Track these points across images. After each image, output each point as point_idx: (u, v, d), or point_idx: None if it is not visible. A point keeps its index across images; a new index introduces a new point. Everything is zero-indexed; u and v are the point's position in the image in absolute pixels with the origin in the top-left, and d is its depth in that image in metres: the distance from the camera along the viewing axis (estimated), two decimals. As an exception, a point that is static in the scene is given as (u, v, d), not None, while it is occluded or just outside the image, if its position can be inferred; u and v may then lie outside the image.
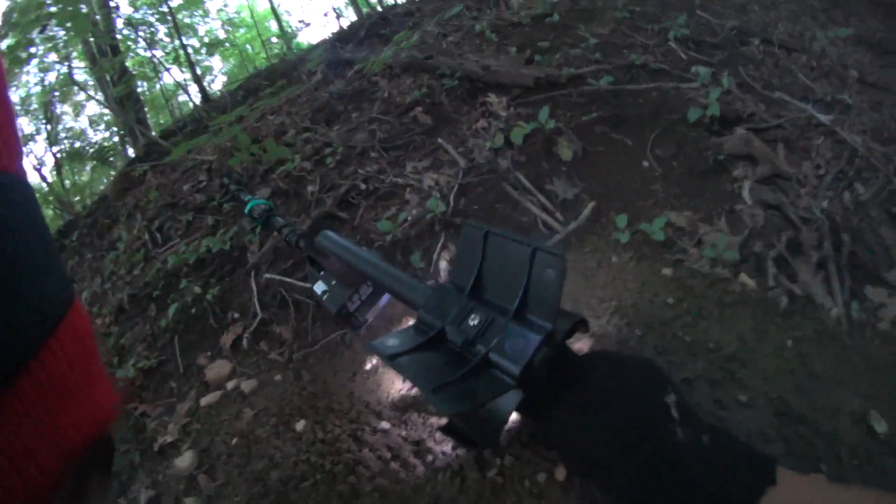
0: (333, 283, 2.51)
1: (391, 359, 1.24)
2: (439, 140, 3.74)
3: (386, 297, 2.73)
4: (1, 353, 0.40)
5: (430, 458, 2.16)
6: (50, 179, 10.34)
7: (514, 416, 1.16)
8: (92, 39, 9.16)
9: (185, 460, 2.66)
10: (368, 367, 2.79)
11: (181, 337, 3.65)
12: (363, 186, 3.66)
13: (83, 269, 5.84)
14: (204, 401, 3.00)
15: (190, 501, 2.43)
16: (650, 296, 2.32)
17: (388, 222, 3.23)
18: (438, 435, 2.27)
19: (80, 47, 9.73)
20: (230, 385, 2.96)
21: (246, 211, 2.57)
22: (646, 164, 2.91)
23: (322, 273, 2.52)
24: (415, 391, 2.50)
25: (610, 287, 2.42)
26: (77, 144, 10.49)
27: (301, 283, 3.21)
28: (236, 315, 3.37)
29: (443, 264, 3.12)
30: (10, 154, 0.47)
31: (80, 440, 0.48)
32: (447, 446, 2.19)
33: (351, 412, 2.49)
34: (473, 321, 1.23)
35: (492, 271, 1.28)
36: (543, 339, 1.12)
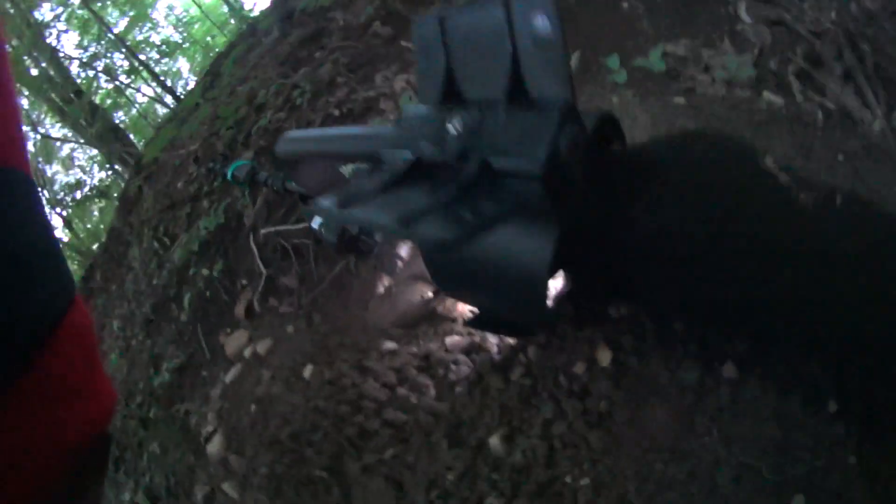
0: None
1: (342, 206, 0.96)
2: (402, 42, 3.45)
3: None
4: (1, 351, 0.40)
5: (441, 371, 1.96)
6: (66, 238, 10.42)
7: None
8: (53, 95, 9.08)
9: (215, 445, 2.51)
10: (381, 289, 2.55)
11: (203, 323, 3.50)
12: (336, 113, 3.41)
13: (112, 302, 5.82)
14: (228, 377, 2.82)
15: (227, 487, 2.27)
16: (666, 127, 2.05)
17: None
18: (450, 341, 2.04)
19: (44, 107, 9.67)
20: (247, 353, 2.77)
21: (229, 177, 2.36)
22: (626, 4, 2.66)
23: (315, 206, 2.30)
24: (426, 300, 2.28)
25: (618, 127, 2.11)
26: (78, 196, 10.55)
27: (296, 227, 2.99)
28: (244, 282, 3.18)
29: (399, 86, 2.83)
30: (16, 150, 0.47)
31: (79, 439, 0.48)
32: (459, 353, 1.95)
33: (361, 341, 2.26)
34: (455, 130, 0.97)
35: (463, 62, 1.00)
36: (561, 113, 0.83)
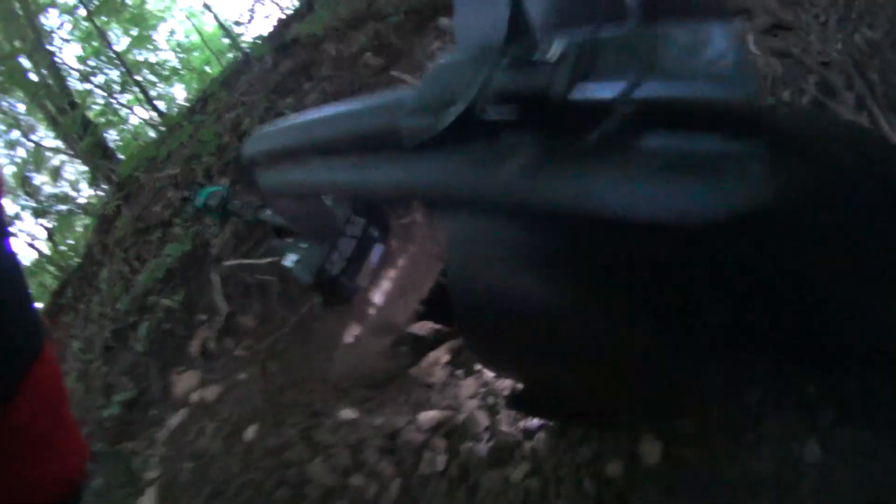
0: (304, 246, 2.05)
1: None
2: (393, 73, 3.28)
3: (378, 250, 2.25)
4: None
5: (410, 458, 1.63)
6: (46, 251, 10.15)
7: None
8: (48, 103, 8.92)
9: (146, 501, 2.24)
10: (349, 339, 2.32)
11: (157, 357, 3.26)
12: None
13: (78, 322, 5.63)
14: (173, 422, 2.57)
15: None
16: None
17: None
18: (425, 417, 1.80)
19: (40, 115, 9.52)
20: (195, 397, 2.53)
21: (200, 203, 2.19)
22: None
23: (290, 241, 2.08)
24: (396, 356, 2.06)
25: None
26: (63, 209, 10.29)
27: (262, 262, 2.77)
28: (203, 317, 2.95)
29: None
30: None
31: (44, 498, 0.48)
32: (436, 436, 1.66)
33: (315, 403, 2.03)
34: (557, 52, 0.58)
35: None
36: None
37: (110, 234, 6.23)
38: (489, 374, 1.84)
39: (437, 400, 1.90)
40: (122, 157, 8.90)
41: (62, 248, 10.43)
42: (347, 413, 1.91)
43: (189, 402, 2.57)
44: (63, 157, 10.94)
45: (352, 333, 2.30)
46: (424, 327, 2.72)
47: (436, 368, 2.05)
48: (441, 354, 2.15)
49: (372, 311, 2.46)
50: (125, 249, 5.07)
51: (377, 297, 2.50)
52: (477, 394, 1.86)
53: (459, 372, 2.02)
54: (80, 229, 10.46)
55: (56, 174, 10.99)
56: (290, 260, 1.90)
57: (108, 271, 5.41)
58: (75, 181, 10.71)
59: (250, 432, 2.03)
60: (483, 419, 1.58)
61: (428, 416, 1.82)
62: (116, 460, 2.97)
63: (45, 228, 10.30)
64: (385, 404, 1.92)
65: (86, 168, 9.77)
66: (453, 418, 1.71)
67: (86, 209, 9.87)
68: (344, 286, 1.92)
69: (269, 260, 2.66)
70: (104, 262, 5.92)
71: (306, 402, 2.06)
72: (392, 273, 2.53)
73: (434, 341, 2.47)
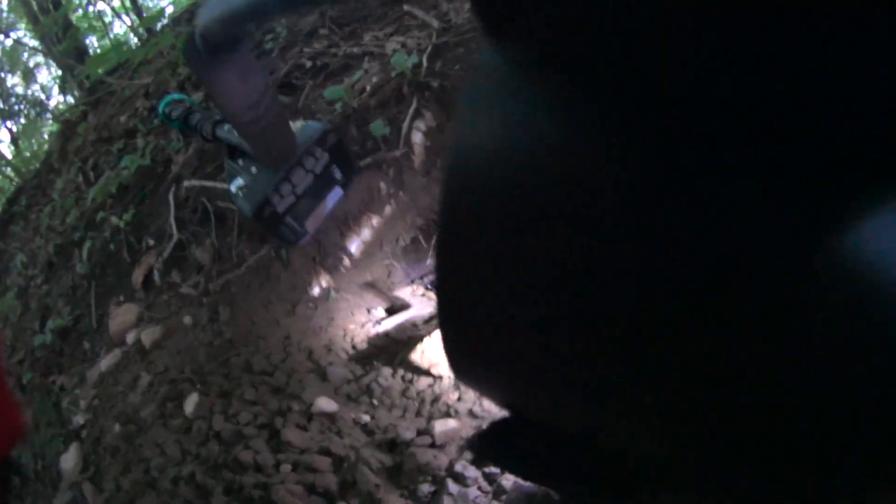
0: (254, 171, 1.67)
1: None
2: (405, 6, 2.83)
3: (336, 195, 1.90)
4: None
5: (415, 486, 1.42)
6: (8, 155, 9.57)
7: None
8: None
9: (69, 459, 1.89)
10: (317, 291, 1.92)
11: (98, 282, 2.86)
12: (309, 64, 2.78)
13: (27, 233, 5.29)
14: (104, 363, 2.16)
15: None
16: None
17: (339, 88, 2.31)
18: (443, 427, 1.57)
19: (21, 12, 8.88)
20: (131, 337, 2.12)
21: (160, 110, 1.87)
22: None
23: (241, 163, 1.69)
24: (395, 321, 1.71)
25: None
26: (32, 112, 9.72)
27: (225, 185, 2.35)
28: (151, 242, 2.52)
29: (416, 136, 2.22)
30: None
31: None
32: (462, 461, 1.48)
33: (277, 373, 1.64)
34: None
35: None
36: None
37: (72, 141, 5.86)
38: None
39: (454, 403, 1.62)
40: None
41: (27, 153, 9.85)
42: (323, 402, 1.53)
43: (124, 342, 2.17)
44: (39, 58, 10.37)
45: (319, 285, 1.90)
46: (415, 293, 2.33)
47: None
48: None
49: (347, 261, 2.06)
50: (84, 159, 4.68)
51: (353, 245, 2.10)
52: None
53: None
54: (46, 136, 9.91)
55: (30, 76, 10.34)
56: (235, 185, 1.64)
57: (64, 181, 5.03)
58: (48, 86, 10.10)
59: (191, 403, 1.64)
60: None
61: (447, 428, 1.51)
62: (46, 394, 2.78)
63: (10, 131, 9.74)
64: (373, 393, 1.56)
65: (60, 72, 9.19)
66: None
67: (54, 114, 9.34)
68: (286, 227, 1.60)
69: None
70: (62, 171, 5.58)
71: (262, 371, 1.66)
72: (374, 221, 2.13)
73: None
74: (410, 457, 1.47)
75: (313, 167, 1.78)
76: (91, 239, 3.06)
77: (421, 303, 2.04)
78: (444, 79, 2.37)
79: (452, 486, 1.35)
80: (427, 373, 1.82)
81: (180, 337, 1.95)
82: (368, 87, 2.36)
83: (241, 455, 1.38)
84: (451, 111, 2.50)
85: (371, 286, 2.17)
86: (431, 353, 1.81)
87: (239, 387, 1.63)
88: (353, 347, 1.86)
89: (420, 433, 1.57)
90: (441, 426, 1.57)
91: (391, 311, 2.15)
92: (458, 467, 1.43)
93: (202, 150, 2.69)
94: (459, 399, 1.72)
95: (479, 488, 1.37)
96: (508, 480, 1.28)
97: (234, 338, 1.81)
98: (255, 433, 1.48)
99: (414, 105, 2.25)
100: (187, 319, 1.98)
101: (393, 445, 1.53)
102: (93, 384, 2.30)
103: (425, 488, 1.38)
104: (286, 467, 1.39)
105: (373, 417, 1.65)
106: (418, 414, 1.70)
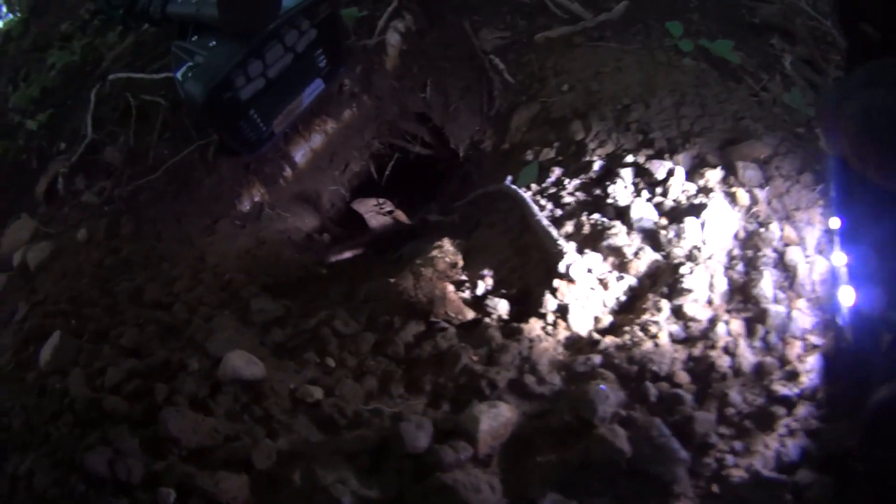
0: (213, 44, 1.24)
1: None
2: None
3: (317, 87, 1.50)
4: None
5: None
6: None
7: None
8: None
9: None
10: (247, 205, 1.51)
11: (2, 196, 2.41)
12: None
13: None
14: (-10, 290, 1.73)
15: None
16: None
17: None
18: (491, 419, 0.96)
19: None
20: (18, 257, 1.68)
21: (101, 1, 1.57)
22: None
23: (195, 38, 1.32)
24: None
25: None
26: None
27: (154, 77, 1.91)
28: (63, 146, 2.09)
29: (393, 37, 1.80)
30: None
31: None
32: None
33: (177, 306, 1.23)
34: None
35: None
36: None
37: (9, 51, 5.41)
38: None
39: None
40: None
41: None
42: (238, 360, 1.04)
43: (12, 265, 1.74)
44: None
45: (250, 198, 1.50)
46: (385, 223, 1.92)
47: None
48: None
49: (288, 172, 1.63)
50: (16, 68, 4.23)
51: (299, 153, 1.67)
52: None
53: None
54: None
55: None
56: (183, 67, 1.26)
57: None
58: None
59: (49, 348, 1.19)
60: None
61: (496, 422, 0.97)
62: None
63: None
64: (326, 345, 1.14)
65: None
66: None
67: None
68: (248, 123, 1.18)
69: (165, 75, 1.79)
70: None
71: (156, 303, 1.24)
72: (329, 126, 1.70)
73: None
74: (441, 492, 0.85)
75: (294, 44, 1.39)
76: (3, 148, 2.61)
77: (382, 228, 1.62)
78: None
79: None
80: (421, 312, 1.24)
81: (70, 256, 1.52)
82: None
83: (93, 459, 0.92)
84: (435, 20, 2.11)
85: (313, 203, 1.73)
86: (432, 278, 1.26)
87: (120, 324, 1.19)
88: (287, 277, 1.41)
89: (442, 434, 0.95)
90: (488, 419, 0.95)
91: (338, 240, 1.73)
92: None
93: (139, 43, 2.25)
94: (491, 361, 1.10)
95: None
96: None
97: (132, 257, 1.39)
98: (124, 409, 1.02)
99: (395, 3, 1.85)
100: (82, 234, 1.56)
101: (381, 456, 0.96)
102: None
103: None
104: (167, 494, 0.88)
105: (329, 392, 1.10)
106: (413, 387, 1.12)
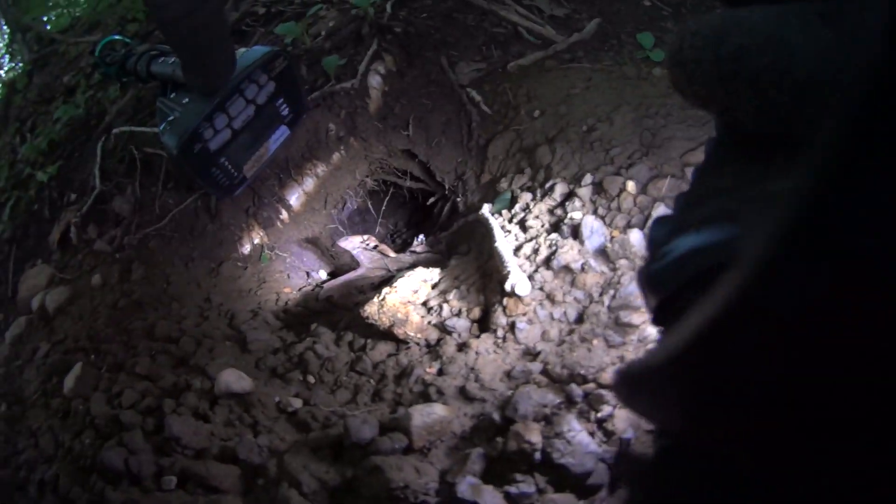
0: (186, 100, 1.39)
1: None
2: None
3: (282, 134, 1.62)
4: None
5: None
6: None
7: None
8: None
9: None
10: (247, 248, 1.64)
11: (19, 245, 2.55)
12: (262, 11, 2.50)
13: None
14: (10, 333, 1.87)
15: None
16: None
17: (292, 24, 2.03)
18: (424, 416, 1.21)
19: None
20: (37, 302, 1.82)
21: (96, 53, 1.67)
22: (647, 2, 2.43)
23: (173, 95, 1.46)
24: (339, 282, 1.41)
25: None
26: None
27: (156, 129, 2.06)
28: (73, 197, 2.23)
29: (374, 79, 1.94)
30: None
31: None
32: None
33: (184, 339, 1.36)
34: None
35: None
36: None
37: (15, 102, 5.60)
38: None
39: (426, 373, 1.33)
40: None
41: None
42: (230, 376, 1.23)
43: (31, 309, 1.87)
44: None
45: (251, 241, 1.62)
46: (373, 258, 2.06)
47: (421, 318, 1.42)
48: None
49: (284, 215, 1.77)
50: (22, 119, 4.42)
51: (293, 197, 1.81)
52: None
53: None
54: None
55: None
56: (164, 123, 1.40)
57: (2, 143, 4.75)
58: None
59: (72, 378, 1.35)
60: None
61: (429, 418, 1.20)
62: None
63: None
64: (307, 367, 1.29)
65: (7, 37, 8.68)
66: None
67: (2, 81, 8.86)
68: (220, 171, 1.33)
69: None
70: (1, 134, 5.31)
71: (166, 338, 1.37)
72: (320, 169, 1.84)
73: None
74: (373, 472, 1.05)
75: (255, 97, 1.52)
76: (16, 198, 2.75)
77: (371, 262, 1.75)
78: (409, 25, 2.10)
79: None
80: (388, 335, 1.44)
81: (86, 300, 1.65)
82: (324, 32, 2.09)
83: (110, 455, 1.08)
84: (414, 60, 2.23)
85: (312, 243, 1.88)
86: (395, 305, 1.45)
87: (135, 356, 1.34)
88: (286, 312, 1.57)
89: (386, 429, 1.15)
90: (421, 416, 1.14)
91: (335, 275, 1.87)
92: (461, 489, 0.98)
93: (139, 98, 2.40)
94: (441, 372, 1.33)
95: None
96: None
97: (144, 299, 1.52)
98: (138, 421, 1.18)
99: (374, 47, 1.98)
100: (96, 279, 1.69)
101: (339, 448, 1.15)
102: (3, 360, 2.00)
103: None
104: (169, 481, 1.08)
105: (307, 402, 1.30)
106: (377, 397, 1.33)
